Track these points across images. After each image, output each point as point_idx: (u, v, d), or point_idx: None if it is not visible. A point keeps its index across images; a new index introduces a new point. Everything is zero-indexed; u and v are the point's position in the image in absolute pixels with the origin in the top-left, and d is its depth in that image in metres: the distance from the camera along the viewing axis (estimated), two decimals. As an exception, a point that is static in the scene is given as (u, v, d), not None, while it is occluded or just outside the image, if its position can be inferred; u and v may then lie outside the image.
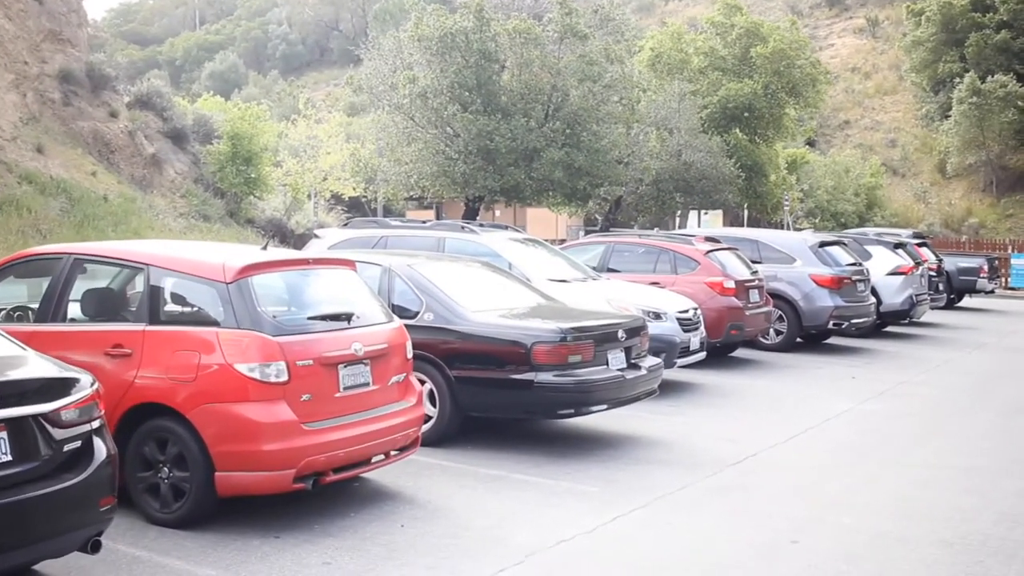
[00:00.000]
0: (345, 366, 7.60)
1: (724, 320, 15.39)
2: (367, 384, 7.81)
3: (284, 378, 7.12)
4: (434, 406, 9.89)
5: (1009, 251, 40.07)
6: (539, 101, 27.21)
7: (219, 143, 43.21)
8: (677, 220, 38.73)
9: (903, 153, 69.57)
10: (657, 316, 13.13)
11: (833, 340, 19.24)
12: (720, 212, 40.09)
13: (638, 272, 16.13)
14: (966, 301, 29.36)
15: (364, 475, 8.32)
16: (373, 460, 7.90)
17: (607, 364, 9.96)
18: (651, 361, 10.77)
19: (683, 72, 34.96)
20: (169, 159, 43.69)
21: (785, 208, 39.21)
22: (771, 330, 17.50)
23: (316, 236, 15.73)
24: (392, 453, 8.11)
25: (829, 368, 16.27)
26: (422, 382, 9.67)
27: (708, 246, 16.35)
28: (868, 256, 20.93)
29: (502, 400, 9.82)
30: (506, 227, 15.75)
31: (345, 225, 15.82)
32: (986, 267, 28.51)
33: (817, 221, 46.55)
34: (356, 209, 40.97)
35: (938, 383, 15.37)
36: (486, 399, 9.86)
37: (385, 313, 8.51)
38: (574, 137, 26.43)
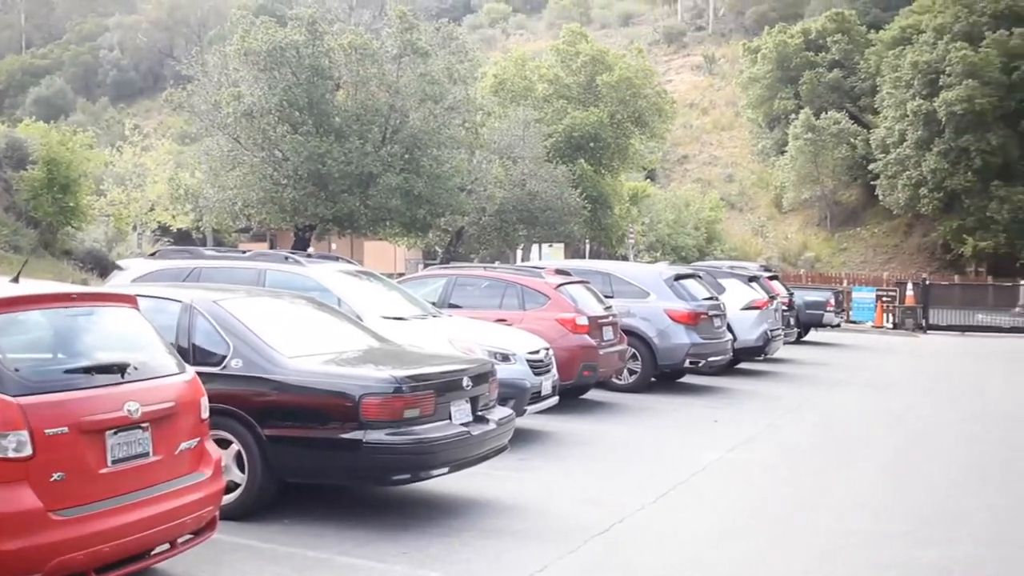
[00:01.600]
0: (115, 432, 5.92)
1: (577, 360, 14.06)
2: (146, 455, 6.13)
3: (26, 452, 5.40)
4: (243, 472, 8.22)
5: (845, 284, 40.24)
6: (376, 123, 25.36)
7: (34, 169, 40.32)
8: (520, 253, 37.63)
9: (740, 188, 70.48)
10: (505, 358, 11.69)
11: (688, 379, 18.17)
12: (561, 246, 39.19)
13: (483, 308, 14.71)
14: (812, 335, 28.94)
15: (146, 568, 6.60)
16: (154, 552, 6.22)
17: (450, 418, 8.46)
18: (501, 412, 9.31)
19: (527, 100, 33.88)
20: (-27, 186, 40.50)
21: (630, 241, 38.51)
22: (625, 370, 16.29)
23: (119, 268, 13.83)
24: (181, 540, 6.43)
25: (687, 410, 15.13)
26: (227, 443, 8.05)
27: (558, 279, 15.04)
28: (722, 290, 20.00)
29: (325, 464, 8.20)
30: (337, 258, 14.13)
31: (153, 255, 13.98)
32: (833, 301, 28.14)
33: (659, 255, 46.19)
34: (185, 241, 38.65)
35: (805, 426, 14.40)
36: (306, 462, 8.22)
37: (175, 362, 6.83)
38: (413, 162, 24.74)
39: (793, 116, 62.39)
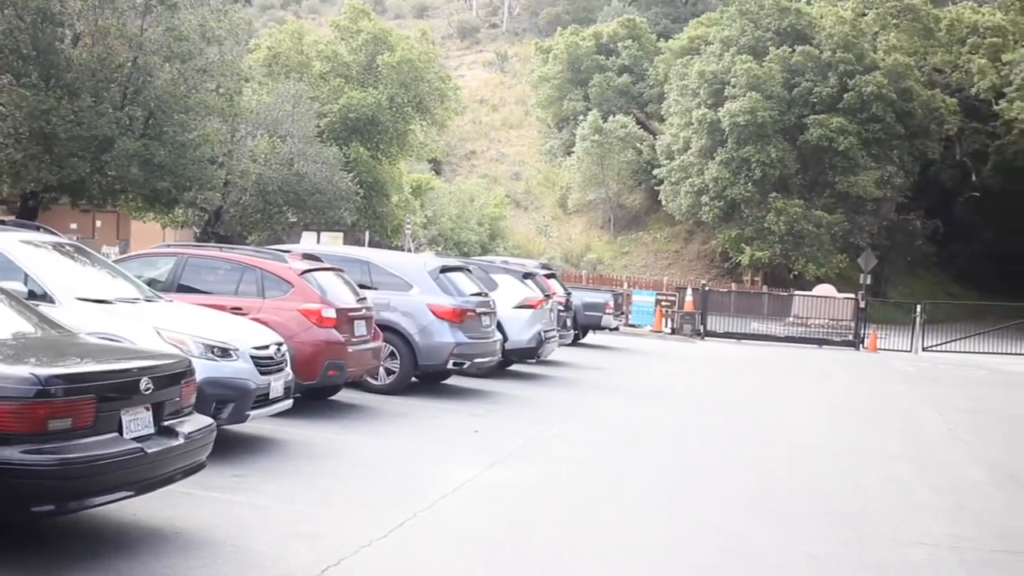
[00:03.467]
0: None
1: (320, 357, 12.22)
2: None
3: None
4: None
5: (626, 287, 39.73)
6: (115, 80, 22.48)
7: None
8: (301, 241, 35.38)
9: (527, 186, 69.94)
10: (225, 353, 9.78)
11: (453, 381, 16.57)
12: (340, 235, 37.15)
13: (217, 294, 12.70)
14: (590, 338, 27.92)
15: None
16: None
17: (120, 431, 6.53)
18: (196, 423, 7.40)
19: (303, 76, 31.63)
20: None
21: (407, 232, 36.75)
22: (381, 369, 14.55)
23: None
24: None
25: (447, 417, 13.49)
26: None
27: (305, 265, 13.15)
28: (494, 286, 18.50)
29: (-61, 488, 6.14)
30: (37, 227, 11.83)
31: None
32: (612, 303, 27.18)
33: (440, 249, 44.74)
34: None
35: (576, 438, 12.99)
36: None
37: None
38: (156, 127, 22.12)
39: (581, 118, 62.19)
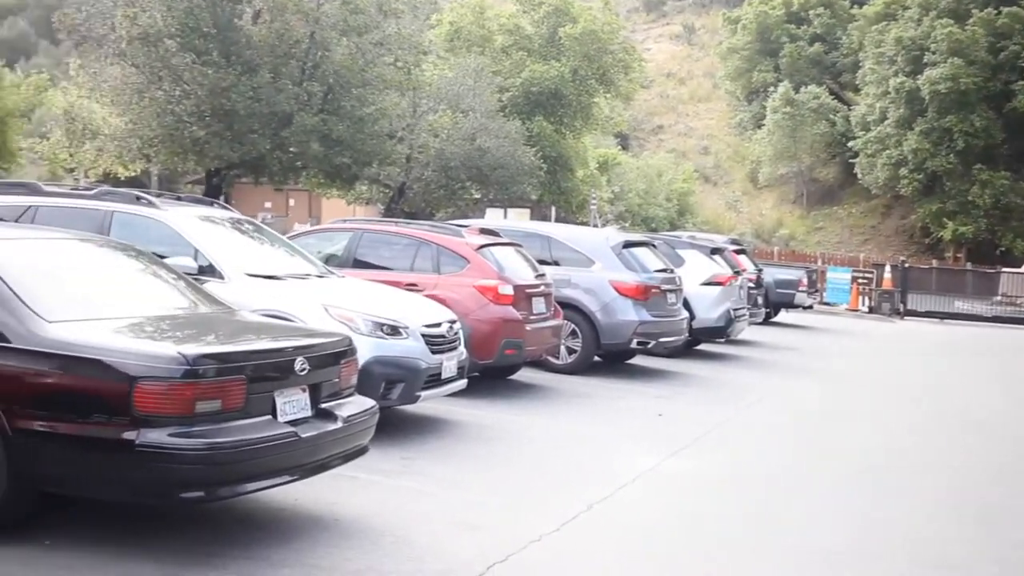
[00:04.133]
0: None
1: (497, 336, 11.75)
2: None
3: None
4: (-17, 476, 5.91)
5: (820, 264, 38.15)
6: (294, 56, 22.37)
7: (-44, 107, 37.42)
8: (485, 217, 35.19)
9: (716, 161, 68.36)
10: (394, 330, 9.38)
11: (638, 361, 15.89)
12: (527, 211, 36.80)
13: (392, 270, 12.39)
14: (783, 316, 26.74)
15: None
16: None
17: (273, 414, 6.15)
18: (357, 405, 6.97)
19: (484, 50, 31.26)
20: None
21: (592, 208, 36.07)
22: (562, 347, 14.01)
23: (-61, 206, 11.39)
24: None
25: (629, 400, 12.83)
26: None
27: (481, 239, 12.68)
28: (680, 262, 17.70)
29: (89, 472, 5.83)
30: (211, 203, 11.74)
31: (-15, 190, 11.59)
32: (806, 280, 25.94)
33: (627, 225, 43.93)
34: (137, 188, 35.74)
35: (766, 424, 12.20)
36: (64, 469, 5.85)
37: None
38: (334, 102, 22.08)
39: (772, 89, 60.25)
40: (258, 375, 6.05)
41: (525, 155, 28.66)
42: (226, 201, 39.15)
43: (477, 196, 31.09)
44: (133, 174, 34.86)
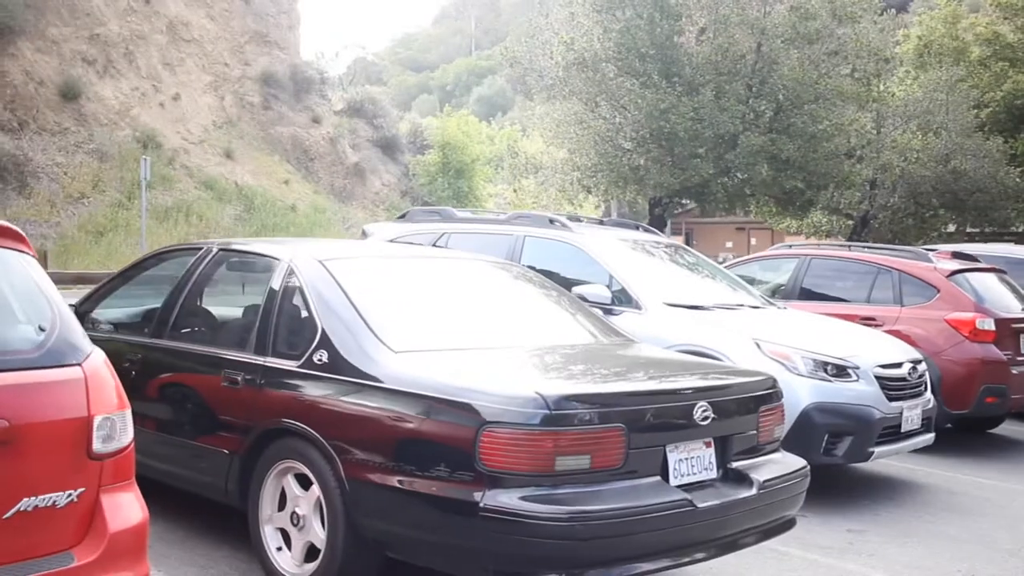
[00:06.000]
0: None
1: (975, 380, 9.61)
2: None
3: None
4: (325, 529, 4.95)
5: None
6: (738, 72, 20.67)
7: (430, 154, 39.75)
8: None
9: None
10: (841, 371, 7.63)
11: None
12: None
13: (845, 301, 10.69)
14: None
15: None
16: None
17: (664, 475, 4.71)
18: (780, 465, 5.36)
19: (958, 62, 28.13)
20: (376, 169, 40.52)
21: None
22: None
23: (364, 233, 11.11)
24: None
25: None
26: (308, 483, 4.99)
27: (954, 264, 10.56)
28: None
29: (431, 537, 4.68)
30: (637, 227, 10.56)
31: (401, 217, 11.15)
32: None
33: None
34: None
35: None
36: (400, 530, 4.76)
37: (35, 341, 3.66)
38: (783, 120, 20.09)
39: None
40: (643, 424, 4.64)
41: (1008, 176, 25.29)
42: (686, 242, 38.36)
43: (951, 229, 27.96)
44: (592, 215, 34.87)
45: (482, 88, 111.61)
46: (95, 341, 6.47)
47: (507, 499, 4.30)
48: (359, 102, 41.60)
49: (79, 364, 3.65)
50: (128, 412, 3.76)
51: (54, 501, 3.46)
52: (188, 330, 6.23)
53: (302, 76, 38.68)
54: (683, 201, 22.91)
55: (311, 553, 5.05)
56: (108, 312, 6.87)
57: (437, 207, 11.70)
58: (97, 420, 3.59)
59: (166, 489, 5.96)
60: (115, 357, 6.39)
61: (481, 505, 4.31)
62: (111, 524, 3.58)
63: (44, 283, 3.82)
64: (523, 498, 4.30)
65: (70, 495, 3.51)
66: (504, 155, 39.33)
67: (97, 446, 3.59)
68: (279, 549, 5.25)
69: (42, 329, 3.68)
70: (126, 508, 3.69)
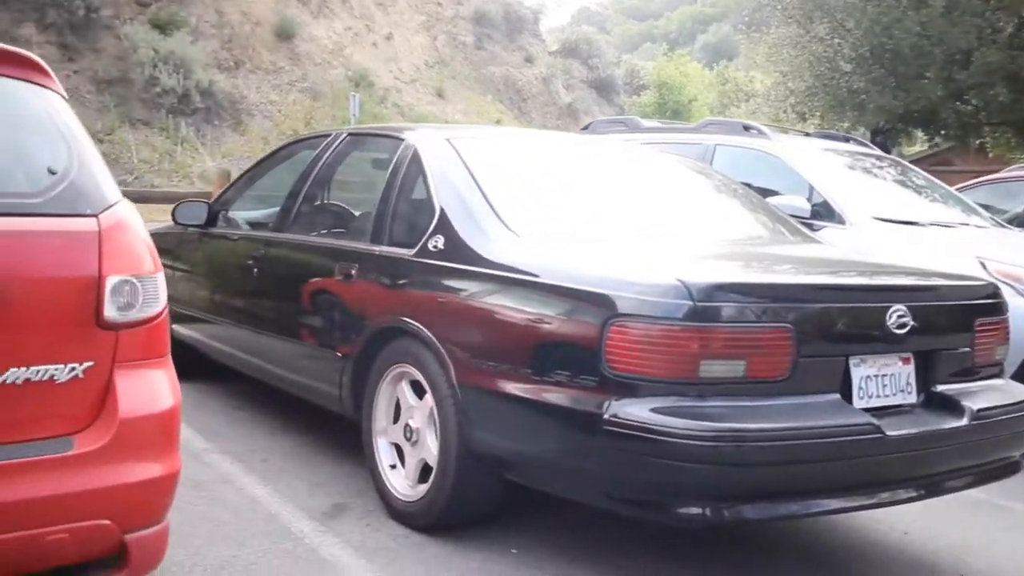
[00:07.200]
0: None
1: None
2: None
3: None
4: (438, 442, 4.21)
5: None
6: None
7: (646, 94, 38.81)
8: None
9: None
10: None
11: None
12: None
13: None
14: None
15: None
16: None
17: (845, 393, 3.71)
18: (1001, 393, 4.23)
19: None
20: (589, 109, 39.84)
21: None
22: None
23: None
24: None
25: None
26: (422, 391, 4.25)
27: None
28: None
29: (549, 456, 3.83)
30: (847, 139, 9.40)
31: (584, 128, 10.29)
32: None
33: None
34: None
35: None
36: (516, 447, 3.96)
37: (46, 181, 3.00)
38: None
39: None
40: (817, 327, 3.66)
41: None
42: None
43: None
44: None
45: (707, 35, 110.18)
46: (225, 238, 5.96)
47: (637, 410, 3.41)
48: (574, 42, 41.03)
49: (95, 215, 2.95)
50: (160, 276, 3.06)
51: (51, 375, 2.79)
52: (309, 221, 5.61)
53: (515, 16, 38.26)
54: (908, 129, 20.85)
55: (425, 472, 4.31)
56: (237, 207, 6.36)
57: (623, 117, 10.78)
58: (111, 282, 2.89)
59: (299, 401, 5.40)
60: (240, 255, 5.87)
61: (605, 417, 3.44)
62: (123, 407, 2.89)
63: (65, 122, 3.15)
64: (656, 410, 3.39)
65: (73, 369, 2.83)
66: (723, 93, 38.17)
67: (110, 313, 2.89)
68: (392, 467, 4.54)
69: (52, 172, 3.01)
70: (149, 390, 3.00)
